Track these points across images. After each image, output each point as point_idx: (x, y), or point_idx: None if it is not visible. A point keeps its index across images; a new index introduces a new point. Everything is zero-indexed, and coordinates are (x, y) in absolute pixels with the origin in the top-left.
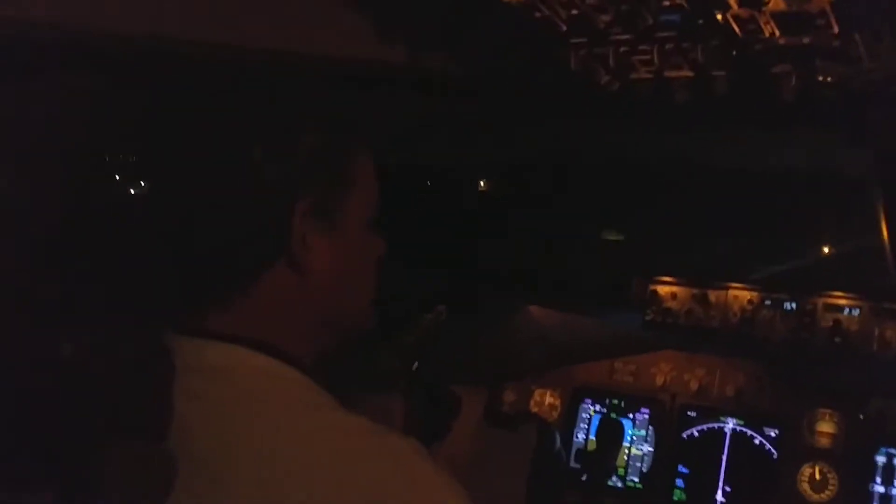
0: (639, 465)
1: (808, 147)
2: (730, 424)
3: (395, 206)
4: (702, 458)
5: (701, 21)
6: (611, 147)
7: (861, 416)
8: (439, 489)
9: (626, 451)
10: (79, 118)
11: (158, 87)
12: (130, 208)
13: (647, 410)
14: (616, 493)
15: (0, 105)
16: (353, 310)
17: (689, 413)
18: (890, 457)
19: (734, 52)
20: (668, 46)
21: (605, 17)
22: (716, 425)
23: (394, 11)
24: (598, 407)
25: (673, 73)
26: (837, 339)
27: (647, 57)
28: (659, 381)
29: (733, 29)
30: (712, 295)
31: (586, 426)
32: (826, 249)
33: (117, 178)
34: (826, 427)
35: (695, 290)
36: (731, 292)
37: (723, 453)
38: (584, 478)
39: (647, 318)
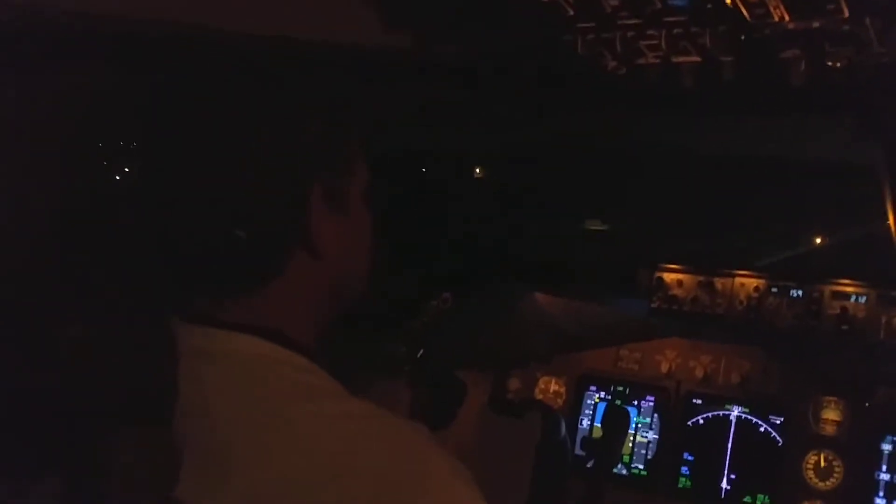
0: (644, 452)
1: (815, 134)
2: (735, 412)
3: (402, 194)
4: (707, 446)
5: (709, 5)
6: (618, 134)
7: (867, 404)
8: (447, 473)
9: (632, 438)
10: (85, 109)
11: (165, 75)
12: (142, 200)
13: (652, 398)
14: (621, 480)
15: (17, 96)
16: (357, 283)
17: (694, 400)
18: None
19: (742, 37)
20: (675, 31)
21: (613, 1)
22: (721, 412)
23: None
24: (603, 394)
25: (680, 59)
26: (844, 327)
27: (655, 42)
28: (664, 368)
29: (742, 13)
30: (718, 282)
31: (591, 413)
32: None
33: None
34: (832, 415)
35: (701, 278)
36: (738, 280)
37: (728, 441)
38: (589, 465)
39: (653, 305)
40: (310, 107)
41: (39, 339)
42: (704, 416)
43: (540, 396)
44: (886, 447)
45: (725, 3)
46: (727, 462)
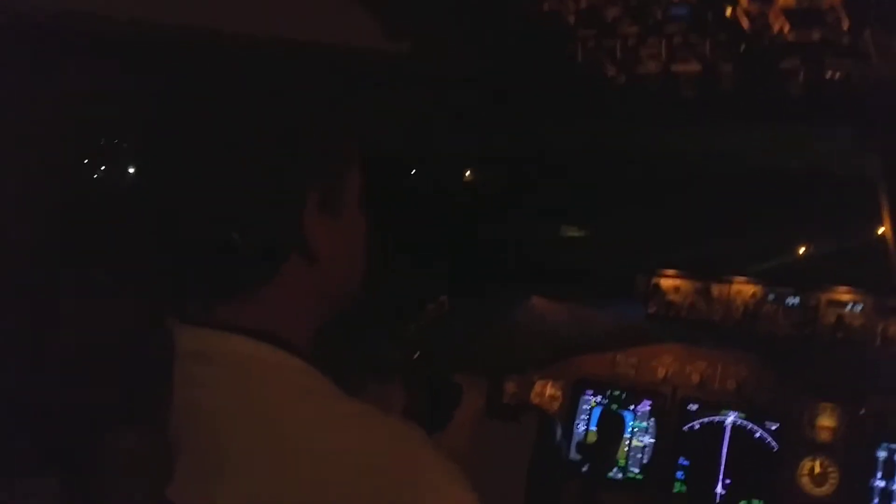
0: (639, 456)
1: (813, 143)
2: (731, 417)
3: (400, 197)
4: (702, 451)
5: (710, 15)
6: (615, 141)
7: (862, 411)
8: (442, 475)
9: (627, 442)
10: (82, 111)
11: (162, 78)
12: (139, 203)
13: (648, 402)
14: (617, 484)
15: (17, 96)
16: (352, 287)
17: (690, 406)
18: (891, 452)
19: (742, 47)
20: (676, 40)
21: (614, 10)
22: (717, 418)
23: (399, 3)
24: (599, 398)
25: (680, 67)
26: (840, 335)
27: (655, 50)
28: (660, 373)
29: (742, 23)
30: (715, 288)
31: (587, 418)
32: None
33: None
34: (827, 421)
35: (698, 284)
36: (735, 286)
37: (723, 446)
38: (584, 469)
39: (650, 310)
40: (306, 111)
41: (36, 338)
42: (700, 421)
43: (536, 400)
44: (882, 454)
45: (726, 14)
46: (722, 467)
